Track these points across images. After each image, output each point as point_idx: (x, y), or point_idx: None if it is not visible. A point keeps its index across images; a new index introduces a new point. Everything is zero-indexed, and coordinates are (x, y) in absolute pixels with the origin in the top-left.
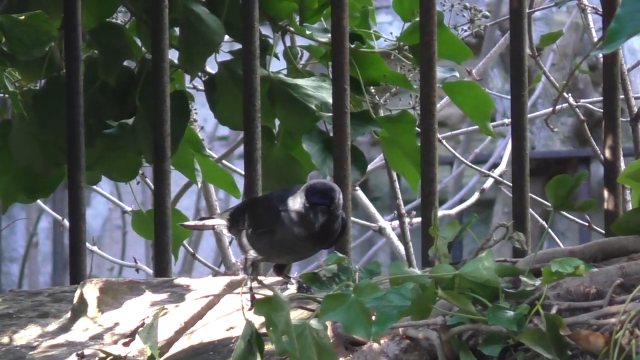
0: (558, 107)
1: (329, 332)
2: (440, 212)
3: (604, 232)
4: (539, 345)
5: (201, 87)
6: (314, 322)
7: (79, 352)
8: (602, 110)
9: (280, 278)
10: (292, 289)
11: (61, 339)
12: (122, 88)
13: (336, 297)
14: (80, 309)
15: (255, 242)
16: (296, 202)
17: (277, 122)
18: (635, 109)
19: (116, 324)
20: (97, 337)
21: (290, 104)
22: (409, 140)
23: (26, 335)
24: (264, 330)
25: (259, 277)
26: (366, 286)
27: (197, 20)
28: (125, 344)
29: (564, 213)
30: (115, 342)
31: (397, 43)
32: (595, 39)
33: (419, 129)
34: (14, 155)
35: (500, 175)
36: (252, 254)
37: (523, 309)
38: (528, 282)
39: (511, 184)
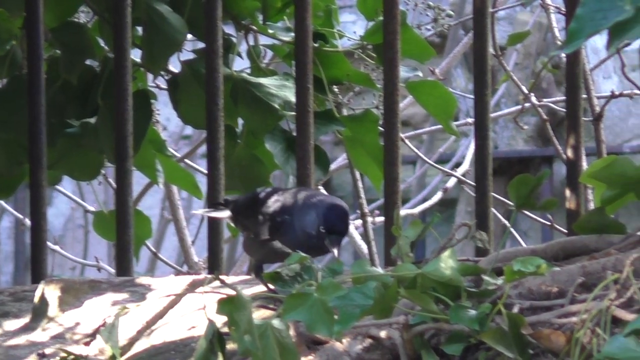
0: (520, 106)
1: (292, 332)
2: (403, 212)
3: (566, 231)
4: (501, 344)
5: (164, 86)
6: (276, 322)
7: (40, 351)
8: (564, 110)
9: (247, 277)
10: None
11: (22, 338)
12: (84, 87)
13: (298, 296)
14: (41, 309)
15: (255, 249)
16: (306, 219)
17: (240, 121)
18: (598, 109)
19: (77, 324)
20: (58, 337)
21: (253, 103)
22: (372, 139)
23: None
24: (226, 329)
25: (221, 276)
26: (329, 285)
27: (160, 19)
28: (87, 344)
29: (527, 212)
30: (76, 342)
31: (360, 42)
32: (559, 39)
33: (382, 128)
34: None
35: (463, 175)
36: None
37: (485, 308)
38: (490, 281)
39: (474, 184)
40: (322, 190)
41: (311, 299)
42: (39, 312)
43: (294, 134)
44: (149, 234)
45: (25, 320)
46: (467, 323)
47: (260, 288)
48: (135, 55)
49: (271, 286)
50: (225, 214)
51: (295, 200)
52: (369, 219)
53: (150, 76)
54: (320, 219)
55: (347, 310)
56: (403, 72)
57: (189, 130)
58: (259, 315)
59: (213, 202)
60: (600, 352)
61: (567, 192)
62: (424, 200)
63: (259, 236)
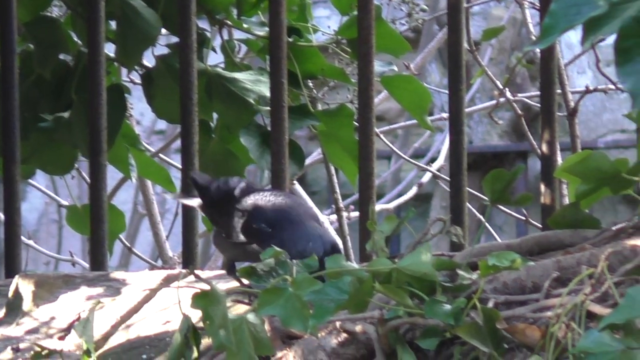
0: (495, 101)
1: (267, 326)
2: (378, 207)
3: (540, 226)
4: (476, 338)
5: (138, 80)
6: (251, 316)
7: (14, 346)
8: (539, 105)
9: (222, 272)
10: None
11: None
12: (57, 81)
13: (274, 290)
14: (15, 303)
15: (225, 247)
16: (309, 245)
17: (214, 115)
18: (572, 104)
19: (52, 318)
20: (33, 331)
21: (228, 98)
22: (347, 134)
23: None
24: (201, 324)
25: (196, 271)
26: (304, 280)
27: (134, 13)
28: (61, 338)
29: (501, 207)
30: (51, 336)
31: (335, 37)
32: (534, 34)
33: (357, 123)
34: None
35: (438, 170)
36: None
37: (460, 303)
38: (465, 275)
39: (449, 178)
40: (297, 186)
41: (286, 293)
42: (13, 307)
43: (269, 128)
44: (122, 228)
45: None
46: (442, 317)
47: (235, 283)
48: (109, 49)
49: (245, 282)
50: (196, 201)
51: (282, 211)
52: (344, 214)
53: (124, 71)
54: (329, 253)
55: (322, 305)
56: (378, 67)
57: (162, 124)
58: (234, 310)
59: (184, 183)
60: (575, 346)
61: (542, 187)
62: (399, 195)
63: (231, 237)
